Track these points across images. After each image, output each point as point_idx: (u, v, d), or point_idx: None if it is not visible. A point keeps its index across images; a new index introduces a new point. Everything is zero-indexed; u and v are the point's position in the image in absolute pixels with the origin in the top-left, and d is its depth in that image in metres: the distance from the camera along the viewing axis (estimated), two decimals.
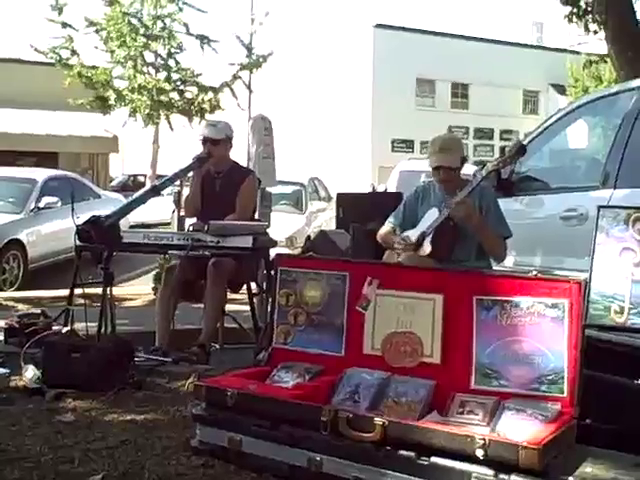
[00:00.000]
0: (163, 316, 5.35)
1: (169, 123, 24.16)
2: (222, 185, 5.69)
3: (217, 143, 5.62)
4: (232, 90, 23.70)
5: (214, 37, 23.84)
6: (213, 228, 5.14)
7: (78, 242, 5.12)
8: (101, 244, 5.04)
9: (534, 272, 3.57)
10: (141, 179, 27.52)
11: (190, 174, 5.75)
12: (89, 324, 5.02)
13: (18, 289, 10.20)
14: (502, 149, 5.52)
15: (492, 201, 4.78)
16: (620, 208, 3.68)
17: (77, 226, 5.07)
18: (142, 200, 5.41)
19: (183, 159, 5.96)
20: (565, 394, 3.14)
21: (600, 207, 3.69)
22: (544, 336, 3.23)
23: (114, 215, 5.17)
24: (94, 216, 5.08)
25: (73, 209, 5.21)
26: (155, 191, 5.41)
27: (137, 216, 8.68)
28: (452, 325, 3.49)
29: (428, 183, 5.11)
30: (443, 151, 4.71)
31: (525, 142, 5.60)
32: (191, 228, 5.42)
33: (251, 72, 23.95)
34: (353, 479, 3.01)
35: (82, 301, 5.11)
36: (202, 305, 5.49)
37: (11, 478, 3.11)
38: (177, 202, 8.45)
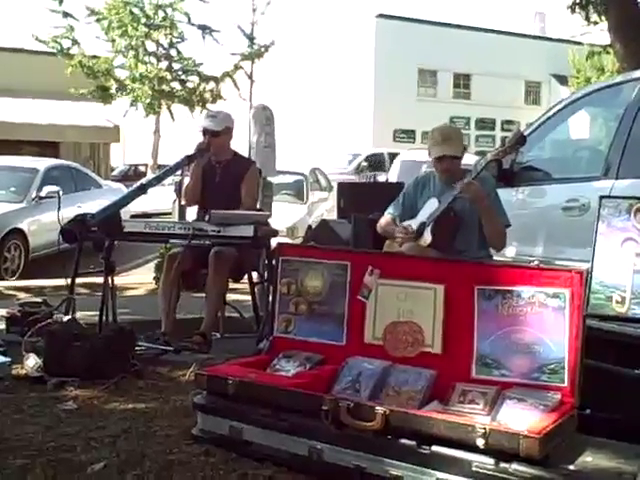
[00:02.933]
0: (165, 304, 5.36)
1: (170, 113, 24.18)
2: (222, 175, 5.69)
3: (217, 134, 5.62)
4: (233, 80, 23.69)
5: (215, 27, 23.84)
6: (214, 217, 5.15)
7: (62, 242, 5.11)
8: (102, 234, 5.03)
9: (535, 262, 3.57)
10: (142, 169, 27.52)
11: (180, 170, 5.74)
12: (90, 313, 5.02)
13: (19, 278, 10.22)
14: (503, 139, 5.52)
15: (492, 190, 4.77)
16: (622, 198, 3.68)
17: (61, 226, 5.06)
18: (129, 199, 5.39)
19: (184, 149, 5.96)
20: (566, 384, 3.14)
21: (602, 197, 3.69)
22: (545, 326, 3.23)
23: (100, 213, 5.08)
24: (78, 215, 5.06)
25: (59, 208, 5.17)
26: (142, 189, 5.37)
27: (138, 206, 8.69)
28: (453, 315, 3.49)
29: (428, 173, 5.11)
30: (445, 141, 4.69)
31: (527, 133, 5.60)
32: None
33: (253, 62, 23.91)
34: (354, 467, 3.02)
35: (83, 290, 5.11)
36: (203, 294, 5.50)
37: (13, 466, 3.12)
38: (178, 192, 8.45)
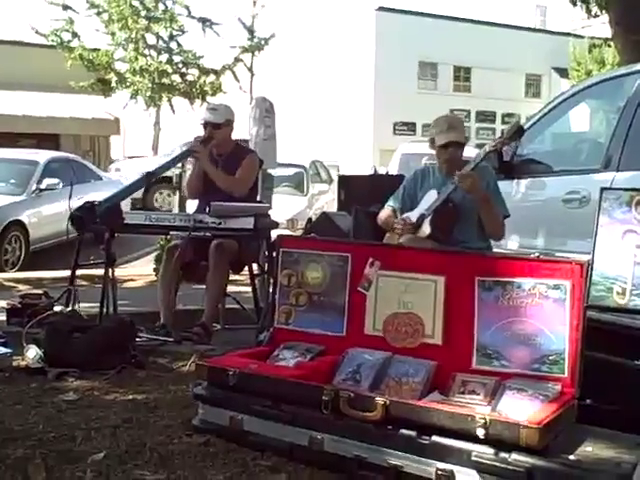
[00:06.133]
0: (165, 296, 5.36)
1: (171, 106, 24.15)
2: (224, 167, 5.68)
3: (218, 127, 5.61)
4: (234, 73, 23.67)
5: (216, 19, 23.81)
6: (215, 210, 5.15)
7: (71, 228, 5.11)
8: (102, 225, 5.03)
9: (536, 254, 3.58)
10: None
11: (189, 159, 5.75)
12: (91, 305, 5.02)
13: (20, 270, 10.23)
14: (503, 132, 5.51)
15: (492, 181, 4.77)
16: (623, 190, 3.68)
17: (70, 212, 5.06)
18: (136, 187, 5.38)
19: (184, 141, 5.95)
20: (566, 374, 3.15)
21: (603, 189, 3.68)
22: (546, 317, 3.24)
23: (107, 201, 5.11)
24: (87, 202, 5.07)
25: (71, 196, 5.18)
26: (149, 177, 5.38)
27: None
28: (454, 306, 3.49)
29: (427, 166, 5.11)
30: (451, 129, 4.69)
31: (527, 125, 5.59)
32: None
33: (253, 55, 23.93)
34: (354, 458, 3.02)
35: (84, 282, 5.11)
36: (204, 286, 5.51)
37: (14, 456, 3.12)
38: (179, 184, 8.45)
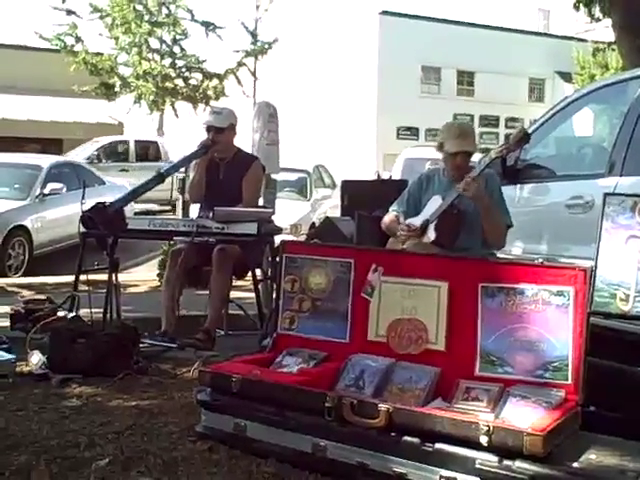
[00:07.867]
0: (169, 301, 5.36)
1: (174, 110, 24.15)
2: (226, 172, 5.69)
3: (221, 131, 5.61)
4: (237, 77, 23.67)
5: (219, 24, 23.82)
6: (218, 215, 5.15)
7: (82, 229, 5.12)
8: (106, 230, 5.04)
9: (540, 259, 3.57)
10: None
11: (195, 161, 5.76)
12: (94, 310, 5.03)
13: (23, 275, 10.23)
14: (507, 137, 5.53)
15: (496, 189, 4.76)
16: (626, 196, 3.67)
17: (82, 212, 5.08)
18: (147, 187, 5.40)
19: (188, 146, 5.97)
20: (569, 381, 3.15)
21: (606, 195, 3.67)
22: (549, 323, 3.24)
23: (119, 202, 5.16)
24: (99, 203, 5.08)
25: (84, 196, 5.19)
26: (160, 177, 5.40)
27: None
28: (457, 312, 3.49)
29: (432, 170, 5.10)
30: (462, 136, 4.67)
31: (531, 130, 5.59)
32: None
33: (256, 59, 23.93)
34: (357, 464, 3.02)
35: (87, 287, 5.12)
36: (207, 291, 5.50)
37: (18, 462, 3.12)
38: (182, 189, 8.45)
